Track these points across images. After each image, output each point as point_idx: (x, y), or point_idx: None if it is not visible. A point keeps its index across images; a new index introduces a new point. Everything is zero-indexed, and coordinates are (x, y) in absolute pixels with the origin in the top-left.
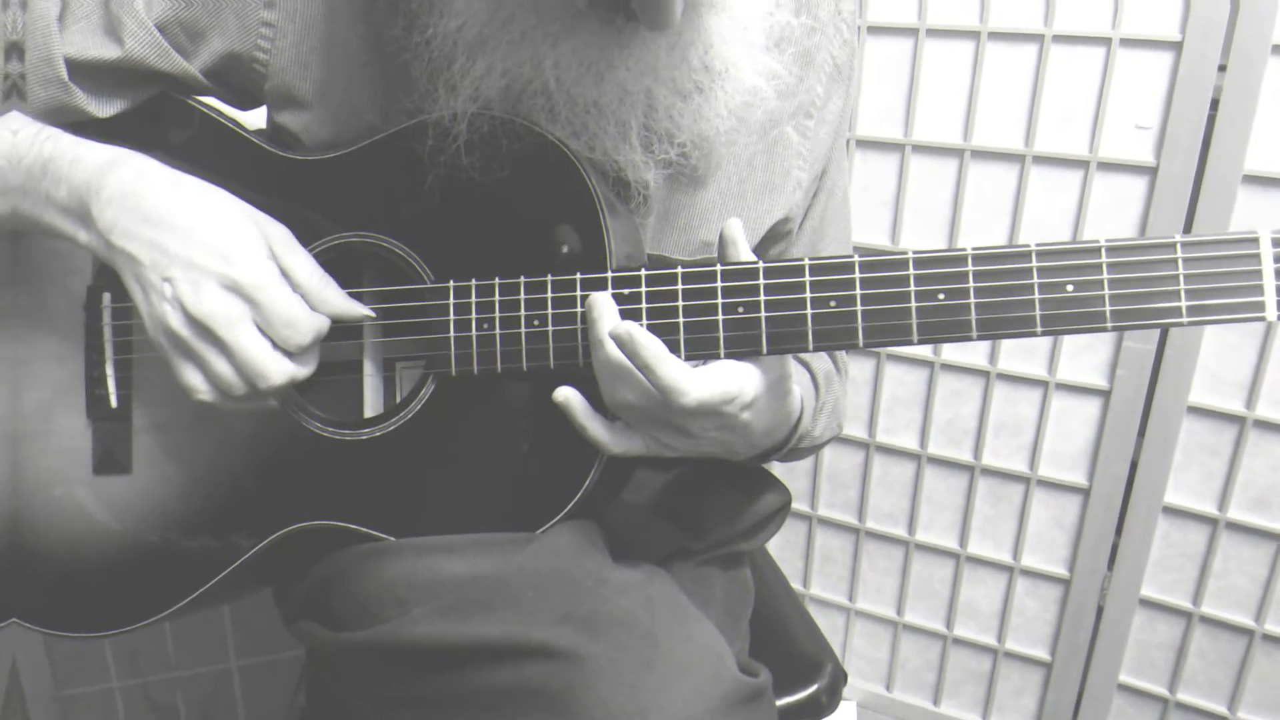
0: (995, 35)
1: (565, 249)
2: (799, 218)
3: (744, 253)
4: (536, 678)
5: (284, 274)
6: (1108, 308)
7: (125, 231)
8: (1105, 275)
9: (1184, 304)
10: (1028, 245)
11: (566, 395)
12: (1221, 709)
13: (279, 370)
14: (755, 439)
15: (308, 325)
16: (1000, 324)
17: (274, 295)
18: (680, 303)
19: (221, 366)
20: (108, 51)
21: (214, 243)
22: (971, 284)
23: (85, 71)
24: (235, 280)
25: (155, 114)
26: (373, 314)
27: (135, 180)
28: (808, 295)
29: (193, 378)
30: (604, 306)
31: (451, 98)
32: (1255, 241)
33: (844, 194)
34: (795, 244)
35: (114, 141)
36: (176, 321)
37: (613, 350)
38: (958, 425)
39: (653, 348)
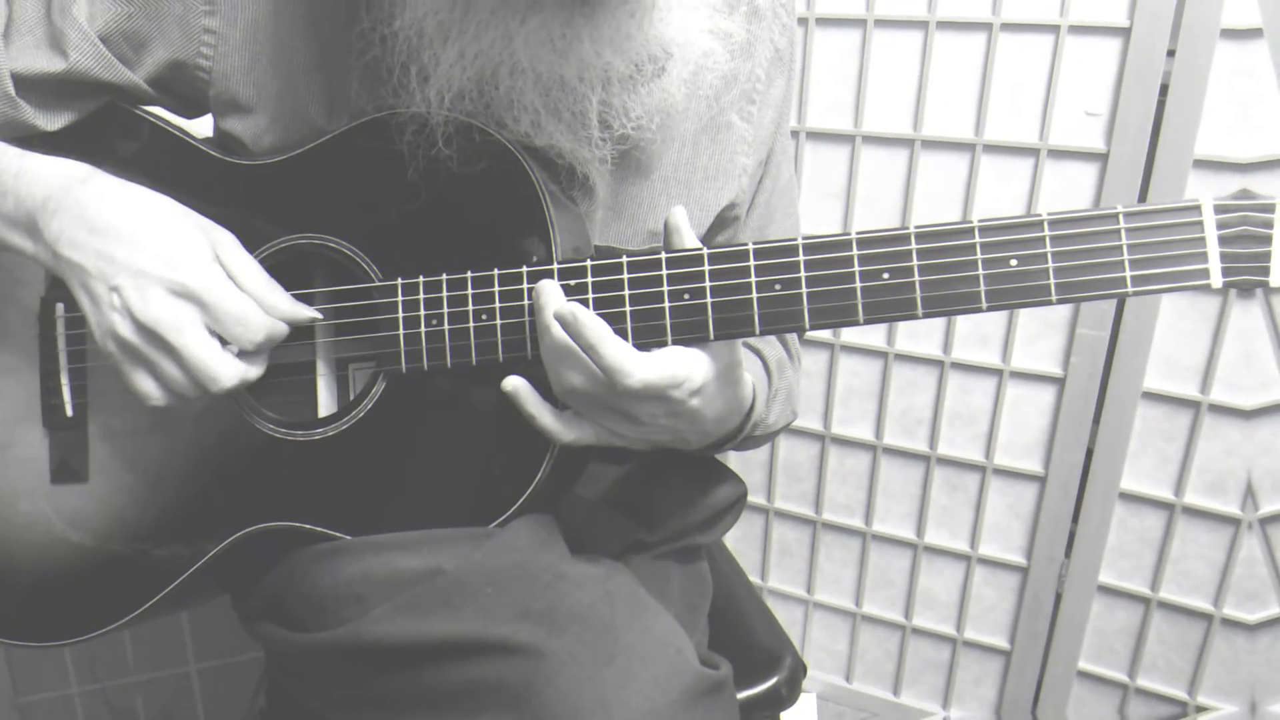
0: (944, 24)
1: (534, 256)
2: (746, 203)
3: (688, 240)
4: (496, 674)
5: (230, 278)
6: (1052, 280)
7: (71, 241)
8: (1049, 249)
9: (1129, 274)
10: (970, 222)
11: (515, 384)
12: (1181, 694)
13: (230, 372)
14: (706, 427)
15: (259, 323)
16: (945, 301)
17: (221, 295)
18: (627, 291)
19: (173, 371)
20: (52, 65)
21: (159, 249)
22: (915, 262)
23: (31, 86)
24: (182, 284)
25: (103, 125)
26: (320, 315)
27: (80, 191)
28: (753, 279)
29: (145, 384)
30: (550, 292)
31: (424, 88)
32: (1198, 209)
33: (789, 179)
34: (742, 229)
35: (62, 154)
36: (126, 329)
37: (558, 333)
38: (912, 415)
39: (596, 328)
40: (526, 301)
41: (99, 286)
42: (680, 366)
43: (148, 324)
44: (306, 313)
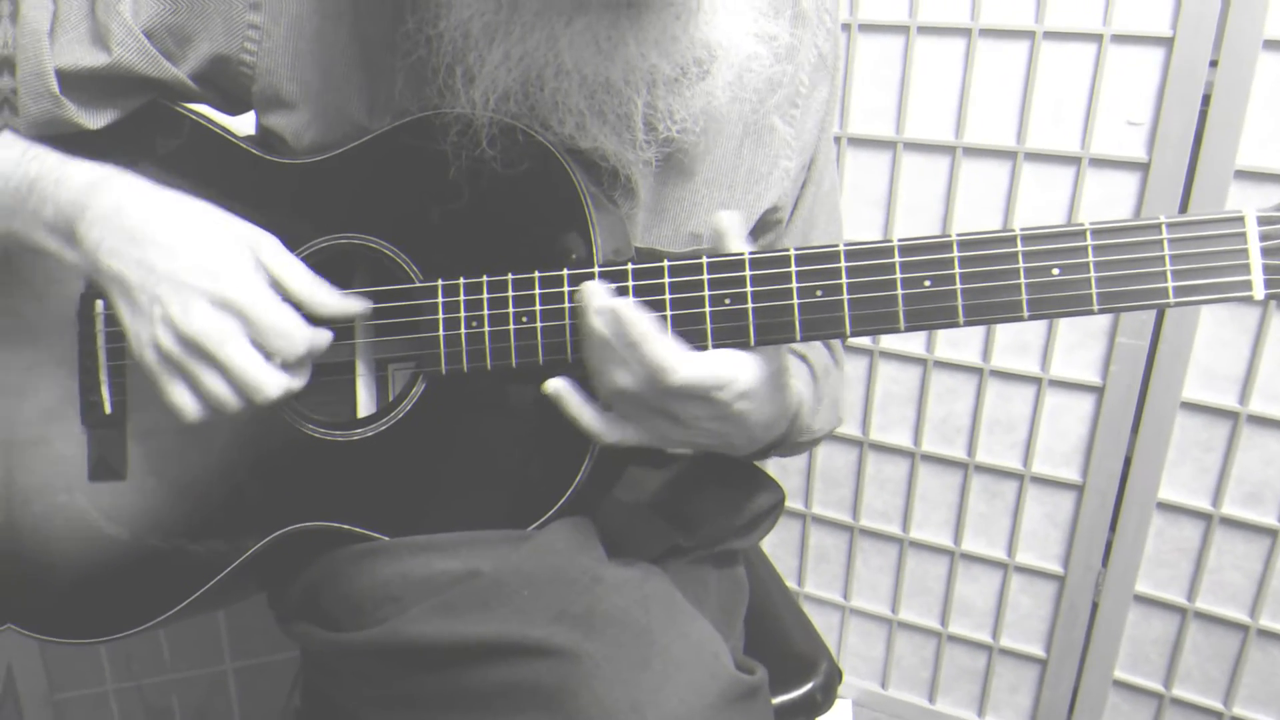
0: (986, 32)
1: (574, 257)
2: (788, 207)
3: (736, 244)
4: (532, 676)
5: (275, 282)
6: (1094, 290)
7: (111, 250)
8: (1091, 258)
9: (1170, 284)
10: (1013, 230)
11: (557, 386)
12: (1217, 704)
13: (274, 383)
14: (753, 432)
15: (301, 335)
16: (987, 309)
17: (265, 308)
18: (667, 295)
19: (215, 383)
20: (96, 60)
21: (201, 259)
22: (957, 270)
23: (75, 83)
24: (225, 297)
25: (144, 123)
26: (369, 304)
27: (119, 198)
28: (794, 285)
29: (182, 397)
30: (594, 290)
31: (469, 89)
32: (1241, 220)
33: (832, 184)
34: (785, 235)
35: (105, 153)
36: (168, 340)
37: (603, 330)
38: (951, 422)
39: (641, 324)
40: (567, 304)
41: (140, 296)
42: (726, 368)
43: (190, 336)
44: (356, 306)
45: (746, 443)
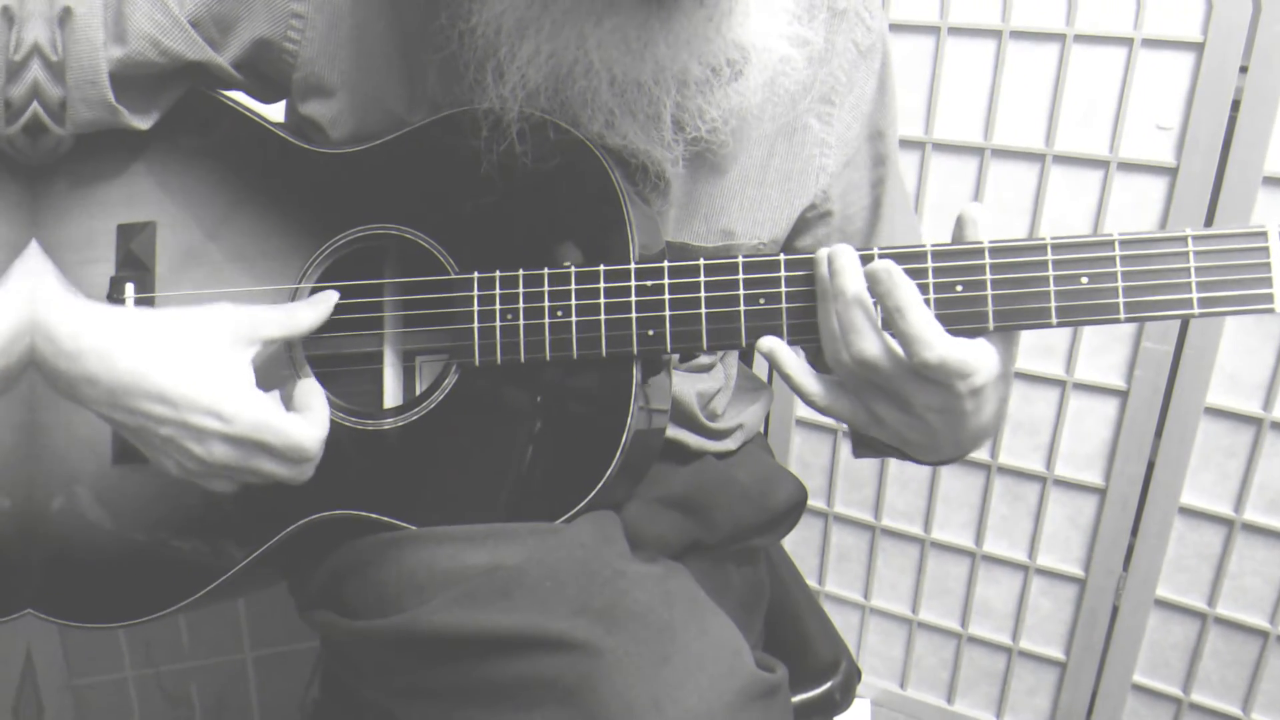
0: (1017, 34)
1: (610, 252)
2: (835, 204)
3: (980, 232)
4: (553, 669)
5: (266, 345)
6: (1121, 299)
7: (110, 405)
8: (1119, 268)
9: (1195, 295)
10: (1043, 238)
11: (771, 344)
12: (1235, 710)
13: (315, 451)
14: (964, 435)
15: (315, 440)
16: (1016, 315)
17: (278, 432)
18: (703, 294)
19: (253, 480)
20: (145, 53)
21: (200, 402)
22: (988, 276)
23: (126, 85)
24: (238, 435)
25: (183, 113)
26: (337, 295)
27: (103, 357)
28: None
29: (222, 485)
30: (847, 257)
31: (499, 85)
32: (1264, 235)
33: (903, 188)
34: (875, 235)
35: (144, 146)
36: (195, 466)
37: (861, 292)
38: None
39: (910, 291)
40: (603, 300)
41: (152, 439)
42: (975, 356)
43: (218, 465)
44: (325, 305)
45: (952, 448)
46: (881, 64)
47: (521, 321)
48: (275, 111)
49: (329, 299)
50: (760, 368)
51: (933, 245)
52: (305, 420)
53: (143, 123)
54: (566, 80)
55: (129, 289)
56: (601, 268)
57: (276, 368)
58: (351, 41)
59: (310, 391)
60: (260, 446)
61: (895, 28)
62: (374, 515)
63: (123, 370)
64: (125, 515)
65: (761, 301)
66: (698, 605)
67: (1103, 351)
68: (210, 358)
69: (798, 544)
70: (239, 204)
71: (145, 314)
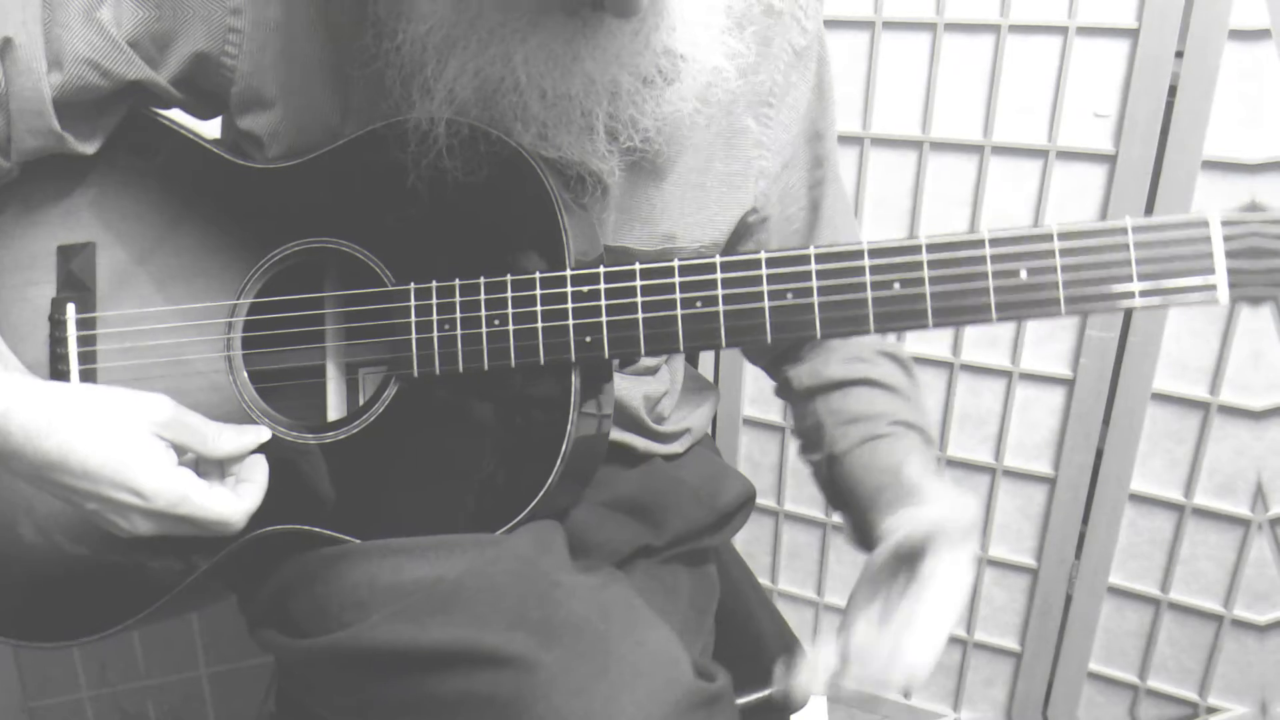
0: (952, 26)
1: (545, 259)
2: (769, 207)
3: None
4: (489, 685)
5: (176, 447)
6: (1061, 293)
7: (32, 479)
8: (1058, 260)
9: (1136, 286)
10: (980, 233)
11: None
12: (1192, 695)
13: (237, 524)
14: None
15: (238, 514)
16: (955, 312)
17: (198, 505)
18: (639, 299)
19: (185, 537)
20: (88, 79)
21: (119, 479)
22: (926, 273)
23: (70, 112)
24: (157, 510)
25: (120, 132)
26: (267, 432)
27: (11, 440)
28: (764, 288)
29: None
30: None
31: (426, 101)
32: (1205, 224)
33: (842, 190)
34: (816, 235)
35: (84, 168)
36: (121, 533)
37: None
38: None
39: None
40: (539, 307)
41: (80, 508)
42: (909, 518)
43: (142, 534)
44: (252, 438)
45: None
46: (818, 65)
47: (459, 331)
48: (212, 129)
49: (259, 434)
50: (706, 368)
51: (869, 244)
52: (235, 494)
53: (88, 148)
54: (495, 96)
55: (70, 309)
56: (537, 275)
57: (220, 398)
58: (285, 56)
59: (255, 465)
60: (181, 519)
61: (830, 23)
62: (318, 529)
63: (49, 448)
64: (72, 532)
65: (698, 305)
66: (635, 616)
67: (1048, 340)
68: (130, 439)
69: (749, 542)
70: (177, 221)
71: (76, 392)
